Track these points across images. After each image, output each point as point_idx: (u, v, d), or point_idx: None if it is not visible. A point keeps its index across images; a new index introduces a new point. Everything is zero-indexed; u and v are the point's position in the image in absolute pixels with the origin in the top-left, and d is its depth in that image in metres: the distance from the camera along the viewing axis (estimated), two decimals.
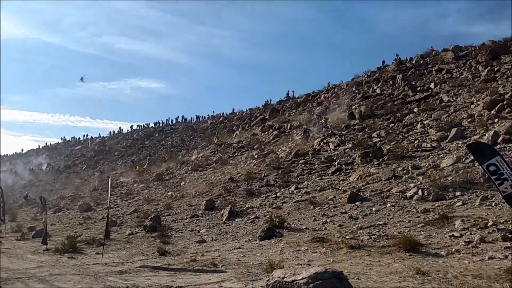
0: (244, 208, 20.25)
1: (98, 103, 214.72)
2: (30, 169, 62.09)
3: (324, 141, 28.16)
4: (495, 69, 29.58)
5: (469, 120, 22.71)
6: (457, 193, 15.22)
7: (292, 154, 27.55)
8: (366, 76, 43.56)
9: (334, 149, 26.20)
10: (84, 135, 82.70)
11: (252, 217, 18.56)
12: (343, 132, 29.19)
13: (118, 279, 11.33)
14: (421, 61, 39.66)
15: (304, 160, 25.77)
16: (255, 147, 34.58)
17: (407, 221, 13.99)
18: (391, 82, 37.77)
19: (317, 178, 22.14)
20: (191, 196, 25.48)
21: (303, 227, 15.72)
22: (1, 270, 12.36)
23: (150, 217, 20.47)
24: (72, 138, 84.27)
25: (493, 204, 13.61)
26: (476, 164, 14.44)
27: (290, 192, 21.19)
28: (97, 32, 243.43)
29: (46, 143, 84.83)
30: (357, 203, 16.91)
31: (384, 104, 31.66)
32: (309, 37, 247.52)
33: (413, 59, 41.55)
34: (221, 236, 16.80)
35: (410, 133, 24.64)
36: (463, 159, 17.99)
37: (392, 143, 23.68)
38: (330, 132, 29.54)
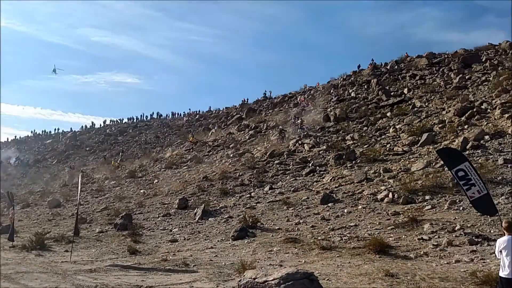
0: (218, 208, 20.19)
1: (70, 96, 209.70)
2: None
3: (299, 142, 28.35)
4: (467, 77, 30.45)
5: (440, 125, 23.29)
6: (427, 197, 15.60)
7: (267, 154, 27.62)
8: (342, 79, 44.10)
9: (309, 151, 26.42)
10: (55, 129, 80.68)
11: (226, 216, 18.52)
12: (318, 134, 29.47)
13: (87, 278, 11.13)
14: (396, 67, 40.43)
15: (279, 161, 25.88)
16: (230, 146, 34.52)
17: (377, 223, 14.25)
18: (365, 86, 38.37)
19: (291, 179, 22.28)
20: (164, 194, 25.21)
21: (276, 228, 15.80)
22: None
23: (121, 215, 20.15)
24: (42, 131, 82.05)
25: (461, 208, 14.01)
26: (446, 169, 14.82)
27: (264, 192, 21.25)
28: (73, 24, 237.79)
29: (15, 136, 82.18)
30: (329, 204, 17.11)
31: (358, 108, 32.13)
32: (288, 38, 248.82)
33: (388, 64, 42.31)
34: (193, 236, 16.69)
35: (383, 137, 25.08)
36: (433, 164, 18.44)
37: (365, 146, 24.06)
38: (305, 133, 29.77)
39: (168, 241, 16.22)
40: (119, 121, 76.33)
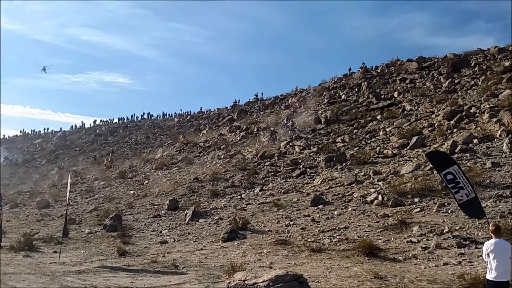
0: (208, 209, 20.15)
1: (60, 95, 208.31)
2: None
3: (290, 144, 28.43)
4: (456, 81, 30.76)
5: (429, 129, 23.51)
6: (416, 200, 15.73)
7: (258, 155, 27.67)
8: (333, 82, 44.31)
9: (299, 152, 26.50)
10: (44, 129, 79.96)
11: (216, 218, 18.50)
12: (309, 136, 29.58)
13: (75, 279, 11.04)
14: (386, 70, 40.68)
15: (270, 162, 25.93)
16: (221, 147, 34.50)
17: (367, 226, 14.33)
18: (356, 89, 38.59)
19: (282, 181, 22.33)
20: (154, 195, 25.11)
21: (267, 229, 15.82)
22: None
23: (111, 216, 20.00)
24: (32, 131, 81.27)
25: (450, 211, 14.14)
26: (435, 172, 14.96)
27: (255, 193, 21.27)
28: (63, 22, 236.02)
29: (3, 135, 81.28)
30: (320, 206, 17.17)
31: (349, 110, 32.31)
32: (279, 40, 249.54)
33: (379, 67, 42.58)
34: (183, 237, 16.64)
35: (373, 139, 25.25)
36: (423, 167, 18.61)
37: (355, 148, 24.20)
38: (296, 135, 29.86)
39: (157, 243, 16.14)
40: (110, 121, 75.93)
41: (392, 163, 20.59)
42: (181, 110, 71.87)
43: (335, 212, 16.25)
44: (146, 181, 29.93)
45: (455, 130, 22.11)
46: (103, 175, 36.31)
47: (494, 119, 21.40)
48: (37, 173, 48.19)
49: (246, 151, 30.87)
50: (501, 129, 20.22)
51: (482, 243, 8.34)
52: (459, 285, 8.87)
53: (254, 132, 36.63)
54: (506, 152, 18.19)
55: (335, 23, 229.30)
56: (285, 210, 17.67)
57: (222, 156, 30.91)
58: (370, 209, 15.86)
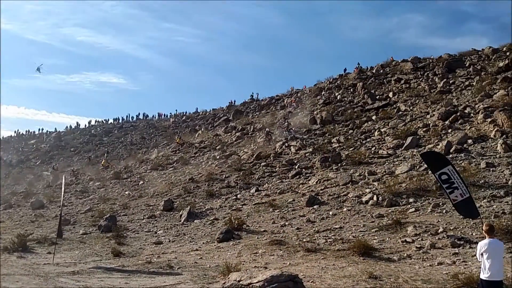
0: (204, 210, 20.12)
1: (55, 96, 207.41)
2: None
3: (286, 144, 28.45)
4: (451, 81, 30.91)
5: (424, 129, 23.59)
6: (410, 200, 15.77)
7: (254, 156, 27.67)
8: (328, 82, 44.38)
9: (295, 153, 26.53)
10: (39, 129, 79.52)
11: (211, 218, 18.46)
12: (304, 137, 29.61)
13: (69, 280, 10.98)
14: (381, 71, 40.80)
15: (265, 163, 25.93)
16: (217, 147, 34.48)
17: (362, 226, 14.35)
18: (351, 89, 38.69)
19: (278, 181, 22.33)
20: (150, 196, 25.05)
21: (262, 230, 15.81)
22: None
23: (105, 216, 19.94)
24: (26, 131, 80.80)
25: (444, 211, 14.19)
26: (429, 172, 15.00)
27: (251, 194, 21.26)
28: (58, 23, 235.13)
29: None
30: (315, 206, 17.17)
31: (344, 111, 32.39)
32: (274, 40, 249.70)
33: (374, 68, 42.69)
34: (178, 238, 16.60)
35: (368, 140, 25.32)
36: (417, 167, 18.65)
37: (351, 149, 24.25)
38: (292, 136, 29.88)
39: (152, 243, 16.09)
40: (105, 122, 75.58)
41: (387, 163, 20.64)
42: (176, 110, 71.83)
43: (330, 212, 16.27)
44: (141, 182, 29.85)
45: (449, 130, 22.20)
46: (98, 176, 36.20)
47: (489, 120, 21.51)
48: (31, 173, 47.91)
49: (241, 151, 30.86)
50: (495, 129, 20.33)
51: (476, 243, 8.37)
52: (453, 285, 8.90)
53: (249, 133, 36.64)
54: (500, 152, 18.29)
55: (331, 23, 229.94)
56: (280, 210, 17.67)
57: (218, 157, 30.88)
58: (365, 209, 15.89)
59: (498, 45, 35.36)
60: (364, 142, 25.13)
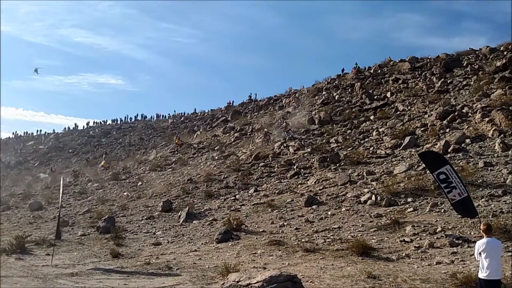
0: (202, 210, 20.12)
1: (53, 97, 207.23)
2: None
3: (284, 144, 28.47)
4: (448, 81, 30.95)
5: (422, 129, 23.62)
6: (409, 199, 15.79)
7: (252, 156, 27.68)
8: (326, 82, 44.41)
9: (293, 153, 26.54)
10: (37, 131, 79.42)
11: (210, 219, 18.46)
12: (303, 137, 29.62)
13: (68, 282, 10.98)
14: (379, 71, 40.84)
15: (264, 163, 25.94)
16: (216, 148, 34.48)
17: (360, 225, 14.37)
18: (349, 89, 38.72)
19: (276, 181, 22.33)
20: (148, 197, 25.04)
21: (261, 230, 15.81)
22: None
23: (104, 218, 19.92)
24: (24, 133, 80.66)
25: (442, 210, 14.21)
26: (428, 171, 15.02)
27: (249, 194, 21.26)
28: (56, 24, 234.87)
29: None
30: (313, 206, 17.18)
31: (342, 111, 32.41)
32: (272, 41, 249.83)
33: (371, 68, 42.73)
34: (177, 239, 16.60)
35: (366, 139, 25.33)
36: (415, 167, 18.68)
37: (349, 149, 24.26)
38: (290, 136, 29.89)
39: (151, 244, 16.09)
40: (103, 123, 75.50)
41: (385, 163, 20.66)
42: (175, 111, 71.84)
43: (329, 212, 16.28)
44: (140, 183, 29.84)
45: (447, 130, 22.23)
46: (97, 177, 36.17)
47: (486, 119, 21.55)
48: (30, 175, 47.84)
49: (240, 152, 30.87)
50: (493, 128, 20.37)
51: (475, 242, 8.39)
52: (452, 284, 8.92)
53: (248, 133, 36.64)
54: (498, 151, 18.32)
55: (328, 24, 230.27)
56: (279, 210, 17.68)
57: (216, 157, 30.88)
58: (364, 209, 15.90)
59: (495, 45, 35.56)
60: (362, 142, 25.15)
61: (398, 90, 33.34)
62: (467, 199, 12.08)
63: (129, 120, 74.11)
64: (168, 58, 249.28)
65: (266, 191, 21.08)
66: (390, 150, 22.08)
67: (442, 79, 31.36)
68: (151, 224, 19.44)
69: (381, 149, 22.61)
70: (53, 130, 77.59)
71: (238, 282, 8.80)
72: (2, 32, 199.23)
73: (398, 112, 28.19)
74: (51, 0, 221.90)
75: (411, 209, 14.92)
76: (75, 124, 78.92)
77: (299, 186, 20.81)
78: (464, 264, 10.24)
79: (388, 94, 32.80)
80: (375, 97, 33.25)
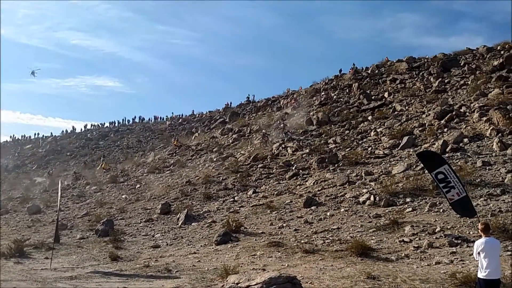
0: (201, 212, 20.10)
1: (50, 100, 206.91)
2: None
3: (283, 145, 28.46)
4: (446, 80, 31.00)
5: (420, 129, 23.65)
6: (407, 199, 15.80)
7: (251, 158, 27.66)
8: (324, 83, 44.44)
9: (292, 154, 26.53)
10: (35, 134, 79.24)
11: (209, 221, 18.44)
12: (301, 138, 29.62)
13: (67, 285, 10.95)
14: (376, 71, 40.88)
15: (262, 164, 25.92)
16: (214, 150, 34.44)
17: (359, 226, 14.37)
18: (347, 90, 38.76)
19: (275, 183, 22.32)
20: (147, 200, 24.99)
21: (260, 232, 15.80)
22: None
23: (103, 220, 19.90)
24: (22, 136, 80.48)
25: (441, 210, 14.22)
26: (426, 171, 15.04)
27: (248, 196, 21.24)
28: (52, 26, 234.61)
29: None
30: (312, 207, 17.19)
31: (340, 112, 32.41)
32: (269, 42, 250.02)
33: (369, 68, 42.77)
34: (176, 241, 16.57)
35: (364, 140, 25.36)
36: (414, 167, 18.70)
37: (347, 149, 24.27)
38: (289, 137, 29.88)
39: (150, 247, 16.06)
40: (101, 126, 75.40)
41: (383, 163, 20.67)
42: (172, 113, 71.73)
43: (328, 213, 16.28)
44: (138, 185, 29.78)
45: (445, 129, 22.27)
46: (95, 180, 36.10)
47: (484, 118, 21.60)
48: (28, 178, 47.72)
49: (238, 153, 30.84)
50: (491, 128, 20.41)
51: (474, 241, 8.39)
52: (451, 284, 8.92)
53: (246, 135, 36.62)
54: (496, 150, 18.35)
55: (325, 24, 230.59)
56: (278, 212, 17.67)
57: (215, 159, 30.85)
58: (363, 210, 15.91)
59: (492, 44, 35.60)
60: (360, 142, 25.17)
61: (396, 90, 33.38)
62: (465, 198, 12.11)
63: (127, 122, 74.02)
64: (165, 60, 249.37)
65: (265, 193, 21.07)
66: (388, 150, 22.10)
67: (440, 79, 31.41)
68: (150, 227, 19.40)
69: (379, 149, 22.63)
70: (51, 133, 77.48)
71: (237, 284, 8.78)
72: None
73: (396, 112, 28.22)
74: (48, 2, 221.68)
75: (410, 209, 14.93)
76: (73, 127, 79.09)
77: (298, 187, 20.81)
78: (463, 263, 10.25)
79: (386, 94, 32.83)
80: (373, 97, 33.28)
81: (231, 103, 59.50)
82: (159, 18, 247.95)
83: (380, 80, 37.70)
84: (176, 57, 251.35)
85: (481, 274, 6.89)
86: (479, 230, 7.23)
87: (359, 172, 20.09)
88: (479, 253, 6.92)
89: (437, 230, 12.61)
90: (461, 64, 33.54)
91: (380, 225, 13.93)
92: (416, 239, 12.37)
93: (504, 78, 26.47)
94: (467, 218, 12.74)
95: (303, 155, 25.44)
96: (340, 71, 45.90)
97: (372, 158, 21.74)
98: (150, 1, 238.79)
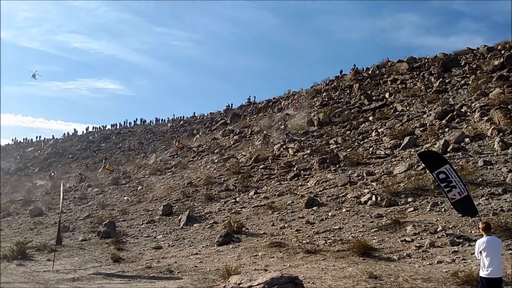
0: (203, 213, 20.11)
1: (52, 103, 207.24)
2: None
3: (284, 146, 28.47)
4: (446, 80, 31.00)
5: (421, 129, 23.64)
6: (409, 199, 15.80)
7: (252, 159, 27.68)
8: (324, 84, 44.46)
9: (293, 155, 26.54)
10: (37, 137, 79.52)
11: (211, 222, 18.46)
12: (302, 138, 29.63)
13: (69, 287, 10.96)
14: (377, 71, 40.91)
15: (264, 165, 25.93)
16: (215, 151, 34.47)
17: (361, 226, 14.37)
18: (348, 90, 38.77)
19: (276, 183, 22.33)
20: (148, 201, 25.01)
21: (261, 232, 15.80)
22: None
23: (105, 222, 19.90)
24: (24, 139, 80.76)
25: (443, 210, 14.22)
26: (427, 171, 15.03)
27: (250, 197, 21.25)
28: (53, 29, 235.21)
29: None
30: (314, 208, 17.19)
31: (341, 112, 32.43)
32: (269, 43, 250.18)
33: (370, 69, 42.79)
34: (178, 242, 16.58)
35: (365, 140, 25.35)
36: (415, 167, 18.69)
37: (348, 150, 24.27)
38: (290, 138, 29.89)
39: (152, 248, 16.07)
40: (102, 128, 75.61)
41: (385, 163, 20.67)
42: (174, 115, 71.96)
43: (330, 213, 16.28)
44: (140, 187, 29.82)
45: (446, 129, 22.25)
46: (97, 182, 36.16)
47: (485, 118, 21.59)
48: (29, 181, 47.82)
49: (240, 154, 30.86)
50: (492, 127, 20.39)
51: (475, 240, 8.40)
52: (453, 283, 8.92)
53: (247, 136, 36.66)
54: (497, 150, 18.34)
55: (325, 25, 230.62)
56: (279, 212, 17.67)
57: (216, 160, 30.88)
58: (364, 210, 15.91)
59: (493, 44, 35.62)
60: (361, 142, 25.17)
61: (397, 91, 33.38)
62: (467, 198, 12.08)
63: (128, 124, 74.22)
64: (166, 62, 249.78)
65: (266, 193, 21.08)
66: (390, 150, 22.10)
67: (440, 79, 31.42)
68: (152, 228, 19.42)
69: (381, 150, 22.63)
70: (53, 136, 77.76)
71: (239, 284, 8.79)
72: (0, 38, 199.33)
73: (397, 113, 28.22)
74: (48, 5, 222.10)
75: (412, 209, 14.93)
76: (75, 129, 79.04)
77: (299, 187, 20.82)
78: (465, 262, 10.24)
79: (387, 95, 32.83)
80: (374, 98, 33.29)
81: (232, 104, 59.67)
82: (159, 20, 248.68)
83: (381, 81, 37.72)
84: (176, 59, 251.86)
85: (483, 273, 6.90)
86: (480, 229, 7.25)
87: (360, 173, 20.08)
88: (480, 252, 6.93)
89: (438, 229, 12.61)
90: (462, 64, 33.56)
91: (382, 225, 13.93)
92: (418, 238, 12.37)
93: (505, 77, 26.46)
94: (469, 218, 12.75)
95: (304, 156, 25.44)
96: (341, 71, 45.96)
97: (374, 158, 21.74)
98: (150, 1, 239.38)
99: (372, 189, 17.67)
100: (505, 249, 10.05)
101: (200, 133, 47.70)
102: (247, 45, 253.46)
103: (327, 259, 11.80)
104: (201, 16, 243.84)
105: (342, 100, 36.52)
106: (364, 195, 17.09)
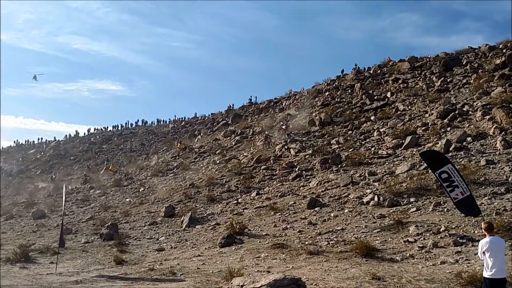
0: (205, 215, 20.10)
1: (53, 104, 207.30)
2: None
3: (285, 147, 28.45)
4: (448, 80, 30.94)
5: (423, 128, 23.60)
6: (411, 199, 15.76)
7: (254, 159, 27.67)
8: (326, 84, 44.42)
9: (295, 155, 26.52)
10: (38, 138, 79.59)
11: (213, 223, 18.45)
12: (304, 139, 29.61)
13: None
14: (379, 71, 40.85)
15: (265, 166, 25.92)
16: (217, 152, 34.47)
17: (363, 227, 14.34)
18: (349, 90, 38.72)
19: (278, 184, 22.32)
20: (151, 203, 25.02)
21: (264, 233, 15.79)
22: None
23: (107, 224, 19.93)
24: (26, 141, 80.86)
25: (445, 210, 14.18)
26: (430, 171, 15.00)
27: (252, 198, 21.24)
28: (53, 31, 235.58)
29: None
30: (316, 208, 17.17)
31: (343, 112, 32.40)
32: (271, 43, 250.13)
33: (371, 68, 42.74)
34: (180, 244, 16.58)
35: (367, 140, 25.32)
36: (417, 166, 18.65)
37: (350, 150, 24.24)
38: (292, 138, 29.88)
39: (154, 250, 16.08)
40: (104, 129, 75.61)
41: (387, 163, 20.64)
42: (175, 116, 71.91)
43: (332, 214, 16.26)
44: (142, 189, 29.83)
45: (448, 128, 22.21)
46: (99, 183, 36.19)
47: (487, 117, 21.53)
48: (32, 183, 47.86)
49: (241, 155, 30.86)
50: (494, 126, 20.34)
51: (479, 241, 8.37)
52: (457, 284, 8.90)
53: (249, 136, 36.65)
54: (499, 149, 18.28)
55: (325, 25, 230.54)
56: (281, 213, 17.66)
57: (218, 161, 30.88)
58: (367, 210, 15.88)
59: (494, 42, 35.51)
60: (363, 142, 25.13)
61: (398, 90, 33.33)
62: (469, 197, 12.06)
63: (129, 126, 74.24)
64: (166, 62, 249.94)
65: (268, 194, 21.07)
66: (392, 150, 22.06)
67: (442, 78, 31.35)
68: (154, 230, 19.42)
69: (383, 149, 22.60)
70: (54, 137, 77.81)
71: (242, 286, 8.78)
72: (1, 40, 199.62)
73: (398, 112, 28.18)
74: (49, 6, 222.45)
75: (414, 209, 14.89)
76: (76, 131, 79.22)
77: (301, 188, 20.80)
78: (468, 263, 10.22)
79: (388, 94, 32.79)
80: (375, 97, 33.25)
81: (233, 105, 59.66)
82: (159, 21, 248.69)
83: (382, 80, 37.67)
84: (177, 60, 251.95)
85: (486, 274, 6.86)
86: (483, 229, 7.22)
87: (362, 173, 20.05)
88: (484, 252, 6.90)
89: (441, 229, 12.57)
90: (463, 63, 33.46)
91: (385, 226, 13.90)
92: (420, 239, 12.33)
93: (507, 76, 26.39)
94: (472, 217, 12.70)
95: (306, 156, 25.43)
96: (342, 71, 45.94)
97: (376, 158, 21.71)
98: (150, 2, 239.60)
99: (374, 189, 17.64)
100: (509, 249, 10.02)
101: (201, 134, 47.72)
102: (248, 46, 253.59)
103: (330, 260, 11.78)
104: (202, 17, 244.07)
105: (344, 99, 36.49)
106: (367, 196, 17.06)
